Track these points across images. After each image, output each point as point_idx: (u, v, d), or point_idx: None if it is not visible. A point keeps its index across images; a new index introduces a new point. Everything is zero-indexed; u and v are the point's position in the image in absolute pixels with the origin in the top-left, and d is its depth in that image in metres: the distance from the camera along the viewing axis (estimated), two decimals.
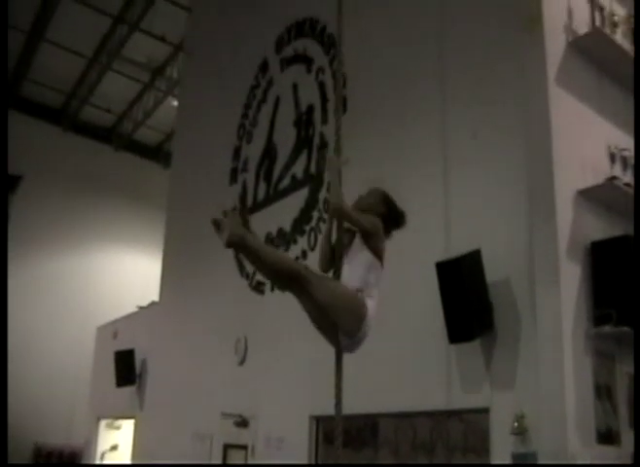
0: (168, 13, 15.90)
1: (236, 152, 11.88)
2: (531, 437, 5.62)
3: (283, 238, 9.78)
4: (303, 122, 9.94)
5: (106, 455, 15.93)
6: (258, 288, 10.20)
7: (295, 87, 10.43)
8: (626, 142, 6.38)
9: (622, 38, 6.61)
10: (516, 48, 6.50)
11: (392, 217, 4.70)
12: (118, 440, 16.06)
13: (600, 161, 6.14)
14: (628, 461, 5.42)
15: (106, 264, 21.20)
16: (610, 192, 5.98)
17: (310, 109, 9.85)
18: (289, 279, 4.09)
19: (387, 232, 4.61)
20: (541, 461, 5.44)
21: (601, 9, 6.58)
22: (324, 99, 9.51)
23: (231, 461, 10.17)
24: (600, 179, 5.97)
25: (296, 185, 9.84)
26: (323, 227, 8.86)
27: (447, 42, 7.50)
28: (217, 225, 4.08)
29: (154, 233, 18.07)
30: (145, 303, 15.47)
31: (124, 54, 17.60)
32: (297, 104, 10.25)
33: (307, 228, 9.32)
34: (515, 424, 5.70)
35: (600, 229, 5.94)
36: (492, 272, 6.11)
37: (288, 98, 10.52)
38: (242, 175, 11.53)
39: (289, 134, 10.18)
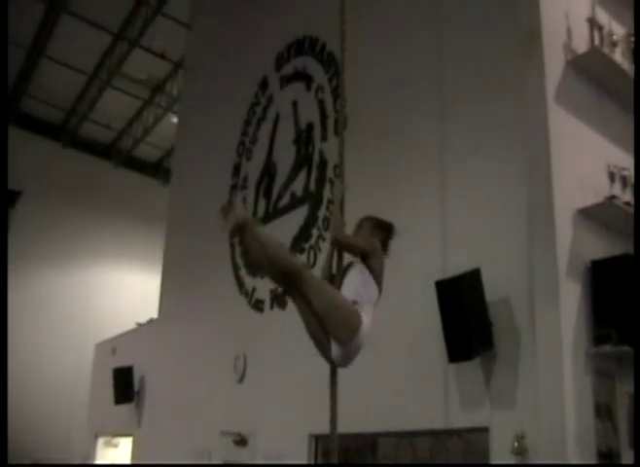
0: (168, 30, 15.95)
1: (236, 169, 11.88)
2: (531, 457, 5.59)
3: None
4: (303, 139, 9.96)
5: None
6: (257, 306, 10.19)
7: (294, 104, 10.45)
8: (626, 161, 6.38)
9: (620, 57, 6.63)
10: (516, 66, 6.51)
11: (386, 234, 4.79)
12: (116, 457, 16.00)
13: (599, 179, 6.13)
14: None
15: (105, 280, 21.18)
16: (609, 211, 5.98)
17: (310, 127, 9.86)
18: (289, 275, 4.13)
19: (386, 248, 4.73)
20: None
21: (600, 28, 6.60)
22: (323, 117, 9.53)
23: None
24: (600, 198, 5.96)
25: (295, 203, 9.84)
26: (322, 245, 8.87)
27: (447, 61, 7.52)
28: (225, 211, 4.11)
29: (153, 250, 18.05)
30: (144, 319, 15.44)
31: (124, 71, 17.65)
32: (296, 122, 10.27)
33: (307, 246, 9.31)
34: (516, 444, 5.67)
35: (600, 248, 5.93)
36: (492, 291, 6.10)
37: (288, 116, 10.53)
38: (242, 192, 11.53)
39: (288, 152, 10.19)
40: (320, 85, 9.83)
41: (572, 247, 5.73)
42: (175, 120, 17.77)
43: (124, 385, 13.89)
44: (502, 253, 6.30)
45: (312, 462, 8.38)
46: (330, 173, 9.09)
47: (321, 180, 9.29)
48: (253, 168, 11.33)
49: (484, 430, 6.13)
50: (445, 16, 7.73)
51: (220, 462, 10.23)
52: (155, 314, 14.57)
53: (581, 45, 6.46)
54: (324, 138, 9.43)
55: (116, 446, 16.22)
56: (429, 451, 7.20)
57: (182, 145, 15.54)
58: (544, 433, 5.38)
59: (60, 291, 20.37)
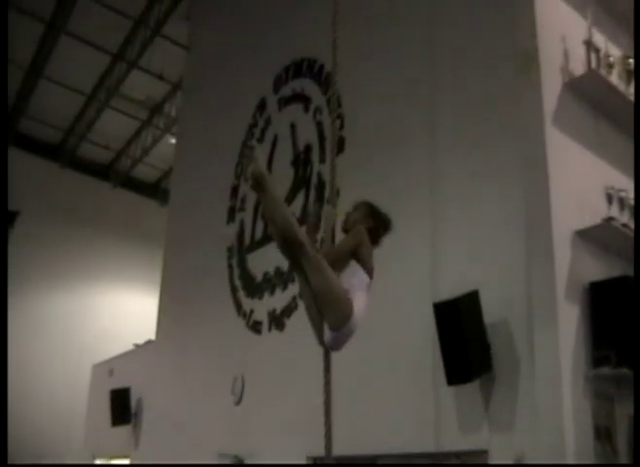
0: (167, 51, 16.01)
1: (234, 190, 11.89)
2: None
3: (280, 278, 9.76)
4: (301, 161, 9.97)
5: None
6: (255, 327, 10.18)
7: (292, 126, 10.47)
8: (623, 183, 6.39)
9: (617, 79, 6.66)
10: (513, 88, 6.54)
11: (380, 226, 4.76)
12: None
13: (597, 201, 6.14)
14: None
15: (103, 301, 21.13)
16: (607, 232, 5.98)
17: (308, 148, 9.88)
18: (292, 245, 4.12)
19: (377, 240, 4.72)
20: None
21: (597, 50, 6.63)
22: (321, 139, 9.54)
23: None
24: (597, 220, 5.97)
25: None
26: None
27: (444, 82, 7.54)
28: (246, 156, 4.17)
29: (151, 271, 18.03)
30: (141, 341, 15.41)
31: (123, 92, 17.70)
32: (294, 143, 10.29)
33: None
34: None
35: (598, 269, 5.93)
36: (490, 313, 6.09)
37: (286, 138, 10.55)
38: (240, 214, 11.54)
39: (287, 173, 10.19)
40: (318, 106, 9.85)
41: (570, 269, 5.73)
42: (173, 141, 17.80)
43: (122, 407, 13.85)
44: (500, 275, 6.30)
45: None
46: (328, 195, 9.10)
47: (319, 202, 9.29)
48: (251, 190, 11.29)
49: (483, 452, 6.11)
50: (442, 37, 7.76)
51: None
52: (152, 335, 14.54)
53: (577, 67, 6.48)
54: (322, 160, 9.44)
55: None
56: None
57: (180, 166, 15.57)
58: (543, 456, 5.35)
59: (58, 311, 20.31)
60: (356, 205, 4.85)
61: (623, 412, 5.64)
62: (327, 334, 4.16)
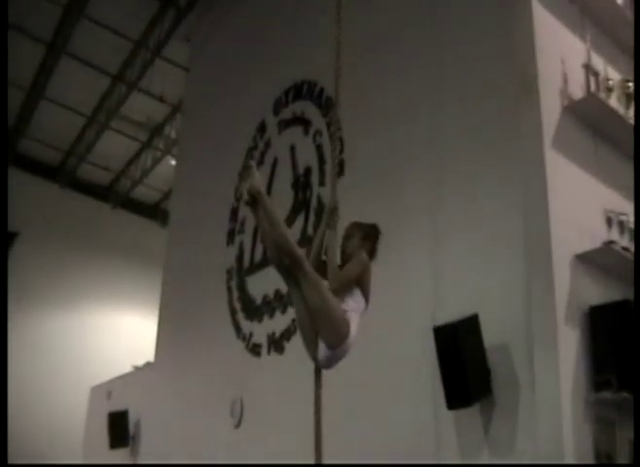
0: (167, 73, 16.04)
1: (234, 213, 11.89)
2: None
3: (280, 301, 9.74)
4: (301, 184, 9.96)
5: None
6: (254, 350, 10.14)
7: (292, 149, 10.47)
8: (623, 206, 6.41)
9: (616, 103, 6.68)
10: (512, 112, 6.56)
11: (375, 242, 4.78)
12: None
13: (597, 225, 6.16)
14: None
15: (101, 322, 21.05)
16: (607, 256, 5.99)
17: (308, 171, 9.88)
18: (289, 261, 4.15)
19: (373, 253, 4.74)
20: None
21: (596, 74, 6.68)
22: (321, 162, 9.54)
23: None
24: (597, 243, 5.98)
25: None
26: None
27: (444, 106, 7.54)
28: (243, 176, 4.19)
29: (150, 292, 17.98)
30: (140, 363, 15.36)
31: (123, 113, 17.72)
32: (294, 166, 10.28)
33: None
34: None
35: (598, 293, 5.93)
36: (490, 337, 6.06)
37: (286, 160, 10.55)
38: (239, 236, 11.52)
39: (286, 196, 10.18)
40: (318, 129, 9.86)
41: (570, 293, 5.73)
42: (173, 162, 17.80)
43: (120, 430, 13.77)
44: (500, 298, 6.28)
45: None
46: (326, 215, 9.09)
47: (319, 225, 9.25)
48: (251, 212, 11.27)
49: None
50: (443, 60, 7.77)
51: None
52: (151, 357, 14.49)
53: (577, 90, 6.52)
54: (322, 183, 9.43)
55: None
56: None
57: (180, 187, 15.58)
58: None
59: (55, 333, 20.21)
60: (348, 232, 4.83)
61: (624, 436, 5.61)
62: (322, 351, 4.18)
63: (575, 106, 6.41)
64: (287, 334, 9.41)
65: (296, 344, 8.95)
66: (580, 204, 6.13)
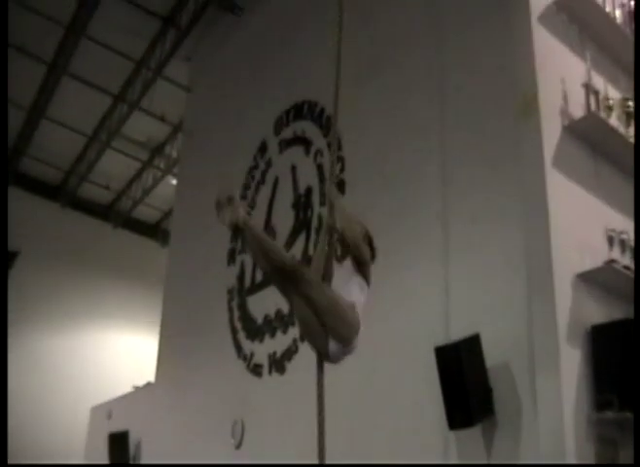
0: (168, 92, 16.07)
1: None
2: None
3: (281, 321, 9.71)
4: (302, 204, 9.96)
5: None
6: (255, 370, 10.10)
7: (293, 168, 10.48)
8: (624, 225, 6.40)
9: (617, 121, 6.69)
10: (512, 132, 6.57)
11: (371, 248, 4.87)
12: None
13: (598, 244, 6.15)
14: None
15: (102, 342, 21.00)
16: (609, 275, 5.98)
17: (309, 191, 9.88)
18: (287, 273, 4.19)
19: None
20: None
21: (596, 93, 6.68)
22: (322, 181, 9.55)
23: None
24: (599, 262, 5.97)
25: None
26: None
27: (445, 128, 7.55)
28: (220, 205, 4.21)
29: (151, 312, 17.96)
30: (141, 383, 15.31)
31: (124, 133, 17.73)
32: (295, 186, 10.29)
33: None
34: None
35: (600, 312, 5.91)
36: (492, 357, 6.05)
37: (287, 180, 10.56)
38: (240, 256, 11.51)
39: (287, 216, 10.18)
40: (319, 149, 9.86)
41: (572, 312, 5.71)
42: (174, 182, 17.81)
43: (121, 450, 13.70)
44: (501, 318, 6.26)
45: None
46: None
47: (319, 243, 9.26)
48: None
49: None
50: (443, 79, 7.79)
51: None
52: (152, 378, 14.45)
53: (577, 110, 6.52)
54: (323, 203, 9.41)
55: None
56: None
57: (181, 207, 15.59)
58: None
59: (55, 353, 20.16)
60: (349, 224, 4.88)
61: (627, 456, 5.58)
62: (333, 347, 4.21)
63: (575, 125, 6.42)
64: (288, 354, 9.39)
65: (297, 365, 8.97)
66: (581, 223, 6.13)
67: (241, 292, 11.21)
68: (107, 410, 16.02)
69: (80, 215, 21.52)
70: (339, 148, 8.87)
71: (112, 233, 21.92)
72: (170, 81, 15.87)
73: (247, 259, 11.25)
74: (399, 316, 7.36)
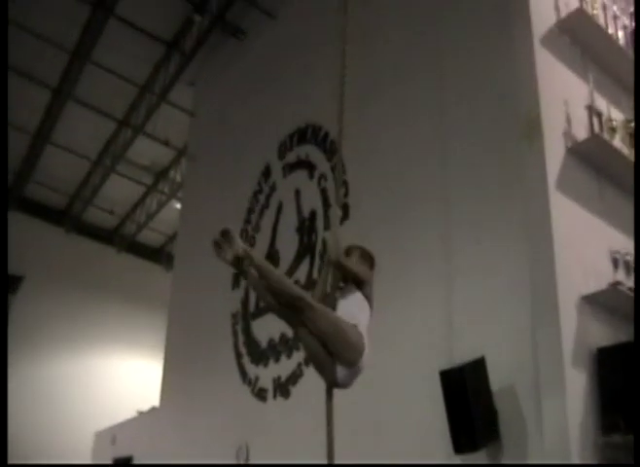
0: (172, 117, 16.12)
1: None
2: None
3: (286, 345, 9.68)
4: (306, 228, 9.94)
5: None
6: (260, 395, 10.07)
7: (297, 193, 10.49)
8: (629, 246, 6.38)
9: (620, 143, 6.69)
10: (516, 154, 6.56)
11: (370, 265, 4.98)
12: None
13: (603, 265, 6.13)
14: None
15: (106, 367, 20.95)
16: (614, 297, 5.95)
17: (313, 215, 9.87)
18: (292, 302, 4.24)
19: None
20: None
21: (599, 114, 6.68)
22: (326, 205, 9.54)
23: None
24: (603, 284, 5.95)
25: None
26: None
27: (449, 150, 7.56)
28: (218, 245, 4.24)
29: (155, 336, 17.94)
30: (145, 407, 15.26)
31: (128, 157, 17.77)
32: (299, 210, 10.30)
33: None
34: None
35: (605, 334, 5.88)
36: (497, 380, 6.02)
37: (290, 204, 10.56)
38: (244, 280, 11.46)
39: (291, 240, 10.18)
40: (323, 173, 9.88)
41: (577, 334, 5.69)
42: (178, 206, 17.85)
43: None
44: (506, 341, 6.24)
45: None
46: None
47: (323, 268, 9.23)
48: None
49: None
50: (447, 103, 7.81)
51: None
52: (156, 402, 14.40)
53: (580, 132, 6.53)
54: (327, 227, 9.40)
55: None
56: None
57: (185, 231, 15.60)
58: None
59: (60, 376, 20.09)
60: (347, 251, 4.96)
61: None
62: (341, 372, 4.25)
63: (579, 147, 6.42)
64: (293, 378, 9.36)
65: (302, 389, 8.93)
66: (585, 245, 6.11)
67: (246, 316, 11.18)
68: (111, 435, 15.97)
69: (84, 239, 21.52)
70: (344, 172, 8.88)
71: (116, 257, 21.92)
72: (174, 105, 15.91)
73: None
74: (403, 340, 7.33)
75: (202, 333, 12.63)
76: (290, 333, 9.47)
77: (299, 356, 9.26)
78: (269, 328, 10.11)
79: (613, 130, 6.69)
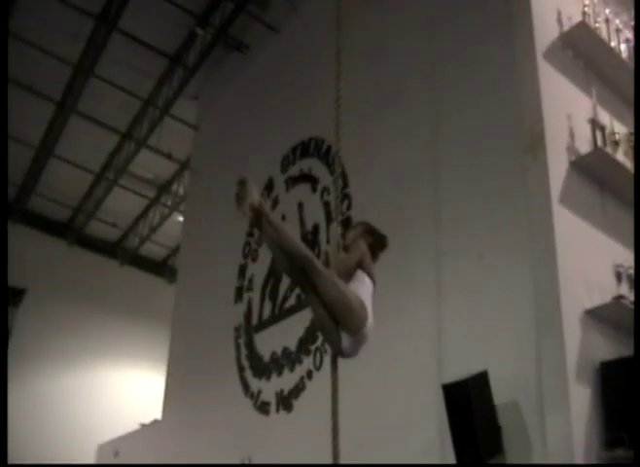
0: (175, 130, 16.13)
1: (242, 270, 11.86)
2: None
3: (288, 358, 9.66)
4: (309, 241, 9.92)
5: None
6: (263, 408, 10.04)
7: (300, 206, 10.49)
8: (632, 260, 6.37)
9: (623, 157, 6.70)
10: (519, 168, 6.57)
11: (377, 244, 5.08)
12: None
13: (606, 279, 6.13)
14: None
15: (108, 379, 20.90)
16: (617, 311, 5.95)
17: (316, 229, 9.87)
18: (301, 264, 4.26)
19: (375, 255, 5.03)
20: None
21: (602, 128, 6.69)
22: (329, 219, 9.54)
23: None
24: (607, 298, 5.94)
25: (301, 304, 9.74)
26: (328, 347, 8.79)
27: (451, 164, 7.57)
28: (239, 197, 4.27)
29: (158, 349, 17.91)
30: (148, 420, 15.23)
31: (131, 171, 17.78)
32: (302, 223, 10.28)
33: (313, 347, 9.19)
34: None
35: (609, 349, 5.88)
36: (500, 394, 6.00)
37: (293, 217, 10.54)
38: (247, 294, 11.48)
39: None
40: (325, 186, 9.88)
41: (580, 349, 5.68)
42: (181, 219, 17.85)
43: None
44: (510, 355, 6.22)
45: None
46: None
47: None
48: (259, 270, 11.30)
49: None
50: (447, 118, 7.82)
51: None
52: (159, 415, 14.37)
53: (583, 145, 6.54)
54: (329, 240, 9.40)
55: None
56: None
57: (188, 244, 15.60)
58: None
59: (63, 389, 20.04)
60: (354, 225, 5.23)
61: None
62: (345, 341, 4.31)
63: (582, 161, 6.43)
64: (295, 391, 9.33)
65: (304, 403, 8.90)
66: (588, 259, 6.11)
67: (248, 330, 11.17)
68: (114, 447, 15.91)
69: (87, 252, 21.51)
70: (346, 185, 8.89)
71: (119, 270, 21.90)
72: (177, 119, 15.93)
73: (254, 296, 11.23)
74: (405, 354, 7.31)
75: (205, 346, 12.62)
76: (292, 346, 9.49)
77: (301, 370, 9.24)
78: (272, 342, 10.11)
79: (616, 144, 6.71)
